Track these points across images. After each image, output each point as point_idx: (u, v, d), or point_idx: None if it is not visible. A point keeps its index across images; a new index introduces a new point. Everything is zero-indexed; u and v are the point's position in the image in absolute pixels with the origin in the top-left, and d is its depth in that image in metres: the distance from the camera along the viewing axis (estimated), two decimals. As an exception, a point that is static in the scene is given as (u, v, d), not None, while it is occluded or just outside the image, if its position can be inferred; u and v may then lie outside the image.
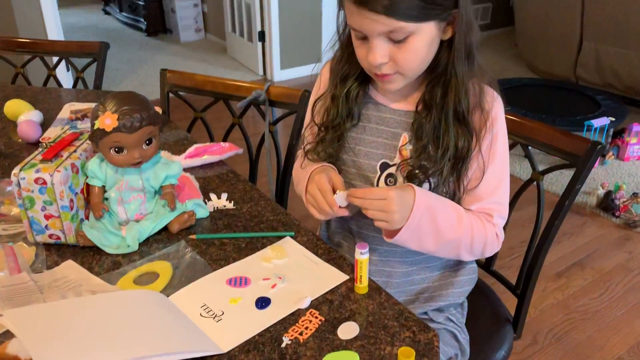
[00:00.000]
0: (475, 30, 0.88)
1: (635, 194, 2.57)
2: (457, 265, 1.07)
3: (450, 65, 0.88)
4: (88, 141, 0.99)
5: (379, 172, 0.98)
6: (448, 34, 0.87)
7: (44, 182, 0.88)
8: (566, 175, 2.76)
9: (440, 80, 0.90)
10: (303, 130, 1.11)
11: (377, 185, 0.99)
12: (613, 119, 2.91)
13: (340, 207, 0.89)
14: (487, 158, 0.93)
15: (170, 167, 0.99)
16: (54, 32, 3.36)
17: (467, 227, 0.92)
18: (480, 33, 0.89)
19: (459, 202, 0.97)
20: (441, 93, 0.90)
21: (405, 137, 0.96)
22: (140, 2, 5.37)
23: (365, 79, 0.98)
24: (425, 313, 1.05)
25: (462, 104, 0.89)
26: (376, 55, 0.85)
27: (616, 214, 2.50)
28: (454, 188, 0.96)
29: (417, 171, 0.92)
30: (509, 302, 1.23)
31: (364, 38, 0.86)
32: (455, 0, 0.83)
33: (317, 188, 0.91)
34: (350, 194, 0.87)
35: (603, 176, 2.83)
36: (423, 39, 0.84)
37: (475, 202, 0.95)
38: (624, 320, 1.92)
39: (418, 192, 0.88)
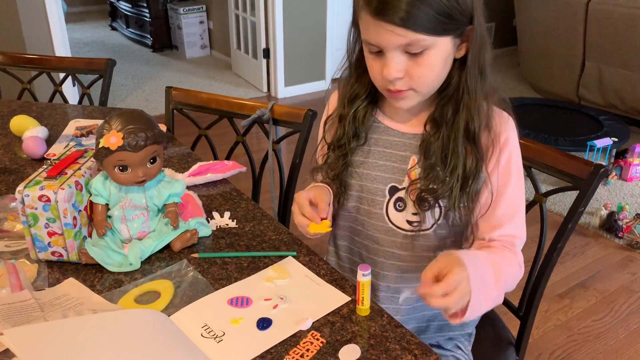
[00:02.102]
0: (489, 48, 0.88)
1: (638, 215, 2.56)
2: None
3: (463, 83, 0.88)
4: (92, 159, 0.99)
5: (387, 196, 0.98)
6: (462, 51, 0.87)
7: (48, 200, 0.88)
8: (569, 195, 2.75)
9: (451, 98, 0.90)
10: (316, 155, 1.11)
11: (387, 210, 0.98)
12: (616, 140, 2.91)
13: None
14: (496, 183, 0.92)
15: (173, 185, 0.99)
16: (61, 47, 3.40)
17: (503, 272, 0.87)
18: (492, 52, 0.89)
19: (472, 230, 0.95)
20: (452, 111, 0.90)
21: (414, 159, 0.96)
22: (147, 19, 5.43)
23: (373, 100, 0.98)
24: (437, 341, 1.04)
25: (474, 122, 0.89)
26: (391, 69, 0.84)
27: (619, 235, 2.49)
28: (465, 213, 0.94)
29: (425, 194, 0.92)
30: (512, 322, 1.22)
31: (379, 52, 0.86)
32: (470, 17, 0.83)
33: (296, 204, 0.92)
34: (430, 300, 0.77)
35: (606, 197, 2.83)
36: (439, 54, 0.84)
37: (497, 228, 0.93)
38: (628, 342, 1.90)
39: (467, 262, 0.78)
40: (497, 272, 0.86)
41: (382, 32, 0.81)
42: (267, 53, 4.22)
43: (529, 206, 1.19)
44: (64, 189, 0.89)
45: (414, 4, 0.78)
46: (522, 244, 0.97)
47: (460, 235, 0.99)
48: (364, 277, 0.81)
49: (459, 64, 0.89)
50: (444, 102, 0.91)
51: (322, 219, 0.90)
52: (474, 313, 0.80)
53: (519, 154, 0.95)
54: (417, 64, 0.84)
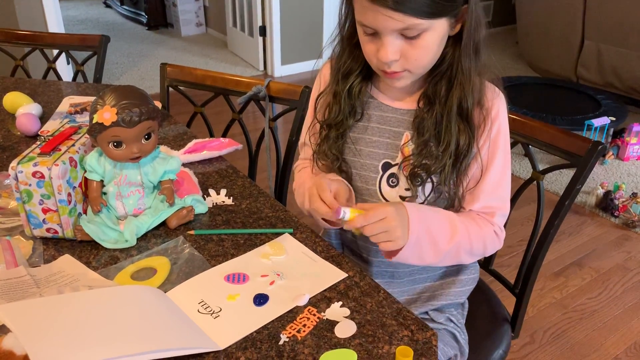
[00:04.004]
0: (484, 25, 0.87)
1: (634, 194, 2.57)
2: (459, 264, 1.06)
3: (456, 61, 0.87)
4: (87, 135, 0.98)
5: (381, 172, 0.97)
6: (456, 29, 0.86)
7: (42, 176, 0.88)
8: (566, 174, 2.75)
9: (444, 75, 0.89)
10: (303, 137, 1.09)
11: (380, 186, 0.98)
12: (613, 119, 2.90)
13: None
14: (485, 156, 0.92)
15: (169, 162, 0.98)
16: (55, 24, 3.35)
17: (463, 232, 0.91)
18: (487, 29, 0.88)
19: (460, 202, 0.96)
20: (445, 88, 0.89)
21: (407, 135, 0.95)
22: (141, -4, 5.36)
23: (367, 76, 0.97)
24: (426, 313, 1.05)
25: (467, 100, 0.88)
26: (388, 52, 0.83)
27: (615, 214, 2.49)
28: (454, 188, 0.94)
29: (418, 169, 0.92)
30: (507, 300, 1.23)
31: (374, 34, 0.84)
32: None
33: (316, 186, 0.90)
34: (349, 224, 0.85)
35: (603, 176, 2.83)
36: (435, 36, 0.83)
37: (477, 200, 0.95)
38: (622, 320, 1.92)
39: (409, 206, 0.87)
40: (453, 227, 0.90)
41: (379, 16, 0.79)
42: (263, 31, 4.17)
43: (526, 184, 1.19)
44: (57, 165, 0.88)
45: None
46: (504, 216, 0.98)
47: (450, 207, 0.99)
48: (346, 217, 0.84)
49: (452, 41, 0.88)
50: (437, 79, 0.91)
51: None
52: (411, 252, 0.87)
53: (507, 129, 0.95)
54: (413, 47, 0.83)
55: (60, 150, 0.92)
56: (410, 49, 0.83)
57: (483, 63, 0.90)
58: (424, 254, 0.90)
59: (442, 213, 0.92)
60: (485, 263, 1.27)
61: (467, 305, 1.10)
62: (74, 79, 1.88)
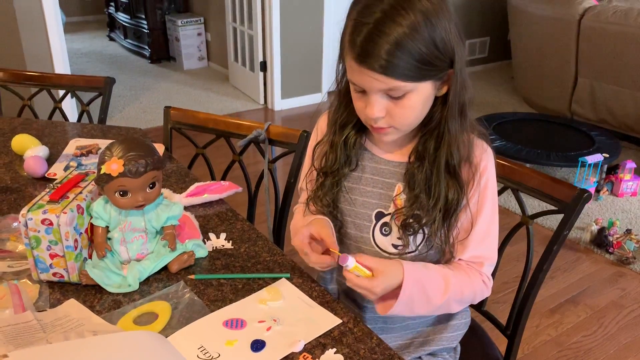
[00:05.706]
0: (469, 88, 0.92)
1: (628, 230, 2.60)
2: None
3: (443, 121, 0.92)
4: (94, 183, 1.02)
5: (374, 221, 1.02)
6: (443, 90, 0.91)
7: (51, 223, 0.92)
8: (561, 210, 2.79)
9: (433, 134, 0.94)
10: (301, 183, 1.14)
11: (373, 234, 1.02)
12: (607, 155, 2.95)
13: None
14: (474, 208, 0.97)
15: (171, 208, 1.02)
16: (60, 62, 3.43)
17: (455, 287, 0.95)
18: (473, 91, 0.93)
19: (451, 252, 1.00)
20: (434, 146, 0.94)
21: (399, 187, 1.00)
22: (145, 30, 5.48)
23: (362, 128, 1.02)
24: (419, 358, 1.08)
25: (454, 158, 0.93)
26: (374, 110, 0.89)
27: (610, 250, 2.52)
28: (445, 238, 0.98)
29: (410, 220, 0.96)
30: (500, 339, 1.25)
31: (362, 92, 0.90)
32: (450, 61, 0.87)
33: (301, 241, 0.96)
34: (347, 275, 0.90)
35: (597, 212, 2.87)
36: (419, 97, 0.88)
37: (465, 251, 0.98)
38: (617, 358, 1.93)
39: (406, 268, 0.91)
40: (446, 283, 0.95)
41: (365, 77, 0.86)
42: (264, 66, 4.26)
43: (516, 227, 1.23)
44: (66, 212, 0.92)
45: (394, 53, 0.81)
46: (492, 265, 1.02)
47: (441, 257, 1.04)
48: (348, 267, 0.88)
49: (441, 100, 0.93)
50: (426, 137, 0.96)
51: (329, 250, 0.95)
52: (402, 308, 0.92)
53: (495, 182, 1.00)
54: (398, 106, 0.89)
55: (68, 197, 0.97)
56: (395, 107, 0.89)
57: (470, 122, 0.95)
58: (416, 309, 0.94)
59: (436, 271, 0.96)
60: (479, 304, 1.30)
61: (459, 348, 1.13)
62: (79, 118, 1.94)
